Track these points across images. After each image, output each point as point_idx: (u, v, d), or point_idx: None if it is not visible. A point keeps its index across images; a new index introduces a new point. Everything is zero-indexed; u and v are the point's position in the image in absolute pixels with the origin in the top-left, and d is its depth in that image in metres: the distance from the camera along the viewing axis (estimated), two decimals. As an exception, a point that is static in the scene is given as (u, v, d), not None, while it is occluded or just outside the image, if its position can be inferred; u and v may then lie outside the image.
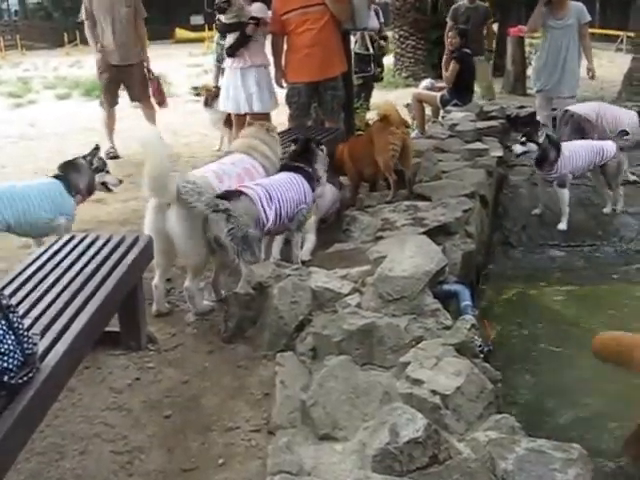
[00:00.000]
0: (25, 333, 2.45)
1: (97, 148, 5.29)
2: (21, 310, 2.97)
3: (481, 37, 11.18)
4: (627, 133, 6.67)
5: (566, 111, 7.47)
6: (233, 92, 7.40)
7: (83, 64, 12.01)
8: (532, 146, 6.11)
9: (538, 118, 8.12)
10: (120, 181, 5.45)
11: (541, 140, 6.04)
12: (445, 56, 9.83)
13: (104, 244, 3.77)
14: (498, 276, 5.82)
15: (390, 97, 12.25)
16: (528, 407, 3.76)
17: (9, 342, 2.36)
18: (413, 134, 9.36)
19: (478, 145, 6.90)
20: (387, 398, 2.99)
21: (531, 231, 6.57)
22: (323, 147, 4.90)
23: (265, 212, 4.12)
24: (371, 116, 9.71)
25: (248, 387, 3.51)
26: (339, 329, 3.36)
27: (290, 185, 4.39)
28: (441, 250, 4.17)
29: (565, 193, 6.26)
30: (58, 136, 9.86)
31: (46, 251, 3.66)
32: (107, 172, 5.30)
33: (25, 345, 2.44)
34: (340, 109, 7.36)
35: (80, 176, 5.00)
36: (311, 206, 4.66)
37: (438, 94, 9.25)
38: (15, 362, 2.37)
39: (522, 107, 9.64)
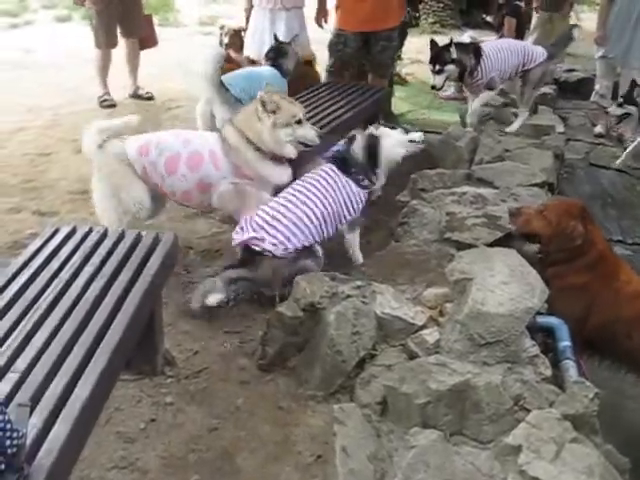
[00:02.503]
0: (6, 426, 1.65)
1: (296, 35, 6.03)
2: (3, 351, 2.19)
3: None
4: None
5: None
6: (259, 36, 6.48)
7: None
8: (449, 68, 5.54)
9: (597, 87, 7.24)
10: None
11: (454, 56, 5.51)
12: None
13: (115, 244, 2.94)
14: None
15: (414, 44, 11.32)
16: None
17: None
18: (449, 92, 8.50)
19: (541, 120, 6.03)
20: (491, 494, 2.26)
21: (592, 222, 5.76)
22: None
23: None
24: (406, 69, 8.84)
25: (294, 443, 2.76)
26: (424, 387, 2.58)
27: (333, 197, 3.78)
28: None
29: (486, 95, 5.82)
30: (56, 67, 8.85)
31: (37, 254, 2.81)
32: None
33: (7, 442, 1.65)
34: (391, 63, 6.49)
35: (287, 60, 5.70)
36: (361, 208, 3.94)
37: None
38: (-8, 474, 1.60)
39: (571, 70, 8.70)
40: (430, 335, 2.91)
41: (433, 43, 5.67)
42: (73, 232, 3.02)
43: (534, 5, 8.68)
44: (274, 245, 3.49)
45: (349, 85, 5.93)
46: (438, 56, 5.55)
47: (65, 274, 2.68)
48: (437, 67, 5.54)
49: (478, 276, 3.07)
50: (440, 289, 3.18)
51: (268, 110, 3.78)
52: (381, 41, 6.16)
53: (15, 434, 1.67)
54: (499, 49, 5.70)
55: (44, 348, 2.23)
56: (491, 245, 3.60)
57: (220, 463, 2.64)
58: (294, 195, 3.70)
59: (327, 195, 3.73)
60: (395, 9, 6.21)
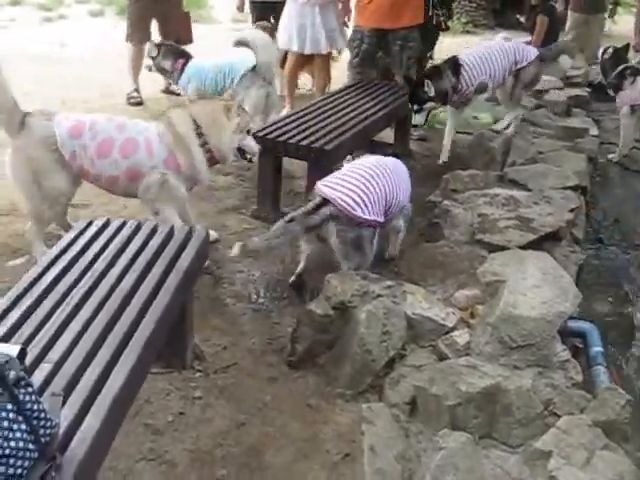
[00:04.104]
0: (41, 415, 1.66)
1: None
2: (37, 341, 2.20)
3: None
4: None
5: None
6: (310, 31, 6.61)
7: (122, -24, 11.55)
8: (427, 106, 5.53)
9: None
10: None
11: (432, 93, 5.30)
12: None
13: (148, 238, 2.96)
14: (590, 284, 4.95)
15: (447, 45, 11.22)
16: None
17: (18, 435, 1.58)
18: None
19: (575, 122, 5.97)
20: (520, 498, 2.24)
21: (625, 228, 5.68)
22: None
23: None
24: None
25: (322, 440, 2.75)
26: (454, 389, 2.57)
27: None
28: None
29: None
30: (88, 61, 8.92)
31: (71, 246, 2.84)
32: None
33: (41, 432, 1.66)
34: (413, 64, 6.44)
35: None
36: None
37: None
38: (26, 463, 1.60)
39: (606, 73, 8.58)
40: (460, 337, 2.90)
41: (407, 79, 5.57)
42: (106, 225, 3.05)
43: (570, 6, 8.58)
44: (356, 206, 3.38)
45: (379, 84, 5.92)
46: (414, 96, 5.41)
47: (98, 266, 2.69)
48: (415, 107, 5.51)
49: (510, 279, 3.05)
50: (471, 291, 3.17)
51: (235, 113, 3.82)
52: (398, 40, 6.13)
53: (49, 423, 1.69)
54: (482, 55, 5.55)
55: (77, 339, 2.25)
56: (523, 248, 3.57)
57: (247, 459, 2.64)
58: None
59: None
60: (412, 8, 6.16)
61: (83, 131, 3.68)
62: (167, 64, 6.04)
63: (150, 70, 6.32)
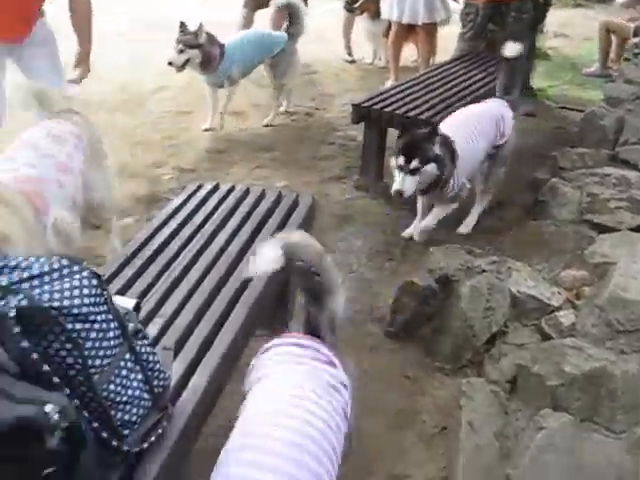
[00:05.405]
0: (155, 367, 1.74)
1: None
2: (150, 297, 2.28)
3: None
4: None
5: None
6: (410, 0, 6.60)
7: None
8: (428, 169, 3.57)
9: None
10: None
11: (438, 151, 3.59)
12: None
13: (256, 202, 3.01)
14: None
15: (557, 17, 10.84)
16: None
17: (135, 384, 1.65)
18: (593, 68, 8.16)
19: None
20: (621, 487, 2.19)
21: None
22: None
23: None
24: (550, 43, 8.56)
25: (419, 412, 2.76)
26: (557, 369, 2.52)
27: None
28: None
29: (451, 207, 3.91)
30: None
31: (182, 208, 2.92)
32: None
33: (155, 382, 1.73)
34: (525, 35, 6.28)
35: None
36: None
37: (632, 24, 7.91)
38: (141, 411, 1.67)
39: None
40: (565, 317, 2.84)
41: (404, 129, 3.75)
42: (216, 188, 3.12)
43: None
44: None
45: (487, 56, 5.80)
46: (416, 149, 3.56)
47: (208, 229, 2.77)
48: (413, 165, 3.52)
49: (621, 261, 2.96)
50: (579, 271, 3.09)
51: None
52: (512, 11, 6.05)
53: (162, 375, 1.76)
54: (469, 136, 3.84)
55: (188, 297, 2.32)
56: (635, 230, 3.46)
57: (345, 426, 2.68)
58: None
59: None
60: None
61: None
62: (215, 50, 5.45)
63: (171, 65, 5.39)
